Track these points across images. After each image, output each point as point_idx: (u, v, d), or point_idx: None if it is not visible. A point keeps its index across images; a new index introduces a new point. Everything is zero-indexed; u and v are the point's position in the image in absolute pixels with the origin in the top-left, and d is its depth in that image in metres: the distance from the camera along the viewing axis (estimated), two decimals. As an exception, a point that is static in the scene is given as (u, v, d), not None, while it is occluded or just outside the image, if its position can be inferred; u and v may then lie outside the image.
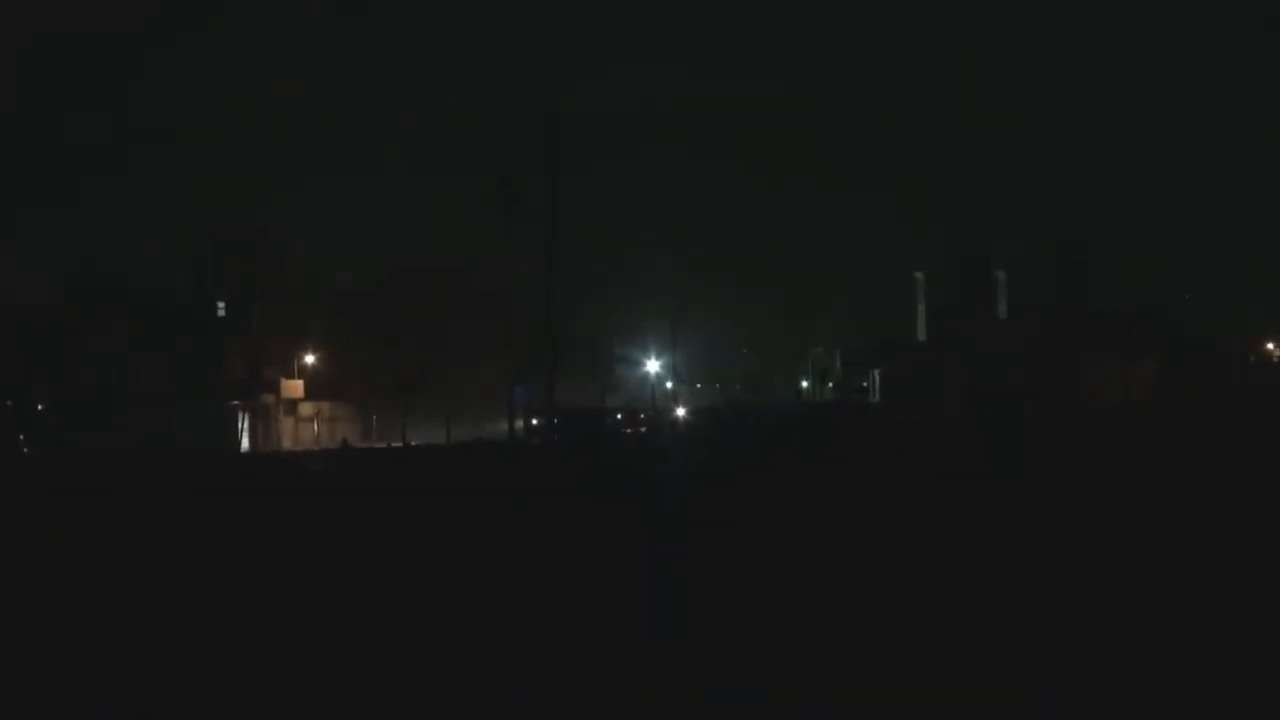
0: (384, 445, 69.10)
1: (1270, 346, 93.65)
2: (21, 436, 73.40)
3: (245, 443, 76.42)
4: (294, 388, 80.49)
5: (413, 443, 68.40)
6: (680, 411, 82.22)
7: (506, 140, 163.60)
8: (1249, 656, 7.08)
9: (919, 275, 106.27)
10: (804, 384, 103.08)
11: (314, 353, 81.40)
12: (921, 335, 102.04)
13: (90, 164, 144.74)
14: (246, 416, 77.84)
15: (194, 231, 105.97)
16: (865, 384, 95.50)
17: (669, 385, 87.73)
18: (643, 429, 68.98)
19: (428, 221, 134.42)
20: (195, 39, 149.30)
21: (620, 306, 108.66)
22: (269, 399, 79.34)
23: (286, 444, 77.39)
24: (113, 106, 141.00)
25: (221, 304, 79.98)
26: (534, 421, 69.47)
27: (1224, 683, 6.69)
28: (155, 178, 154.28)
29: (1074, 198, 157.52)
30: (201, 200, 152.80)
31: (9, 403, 74.41)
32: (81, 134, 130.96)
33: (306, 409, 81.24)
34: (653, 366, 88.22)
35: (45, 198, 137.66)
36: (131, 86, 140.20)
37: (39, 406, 75.32)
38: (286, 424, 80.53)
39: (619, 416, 72.34)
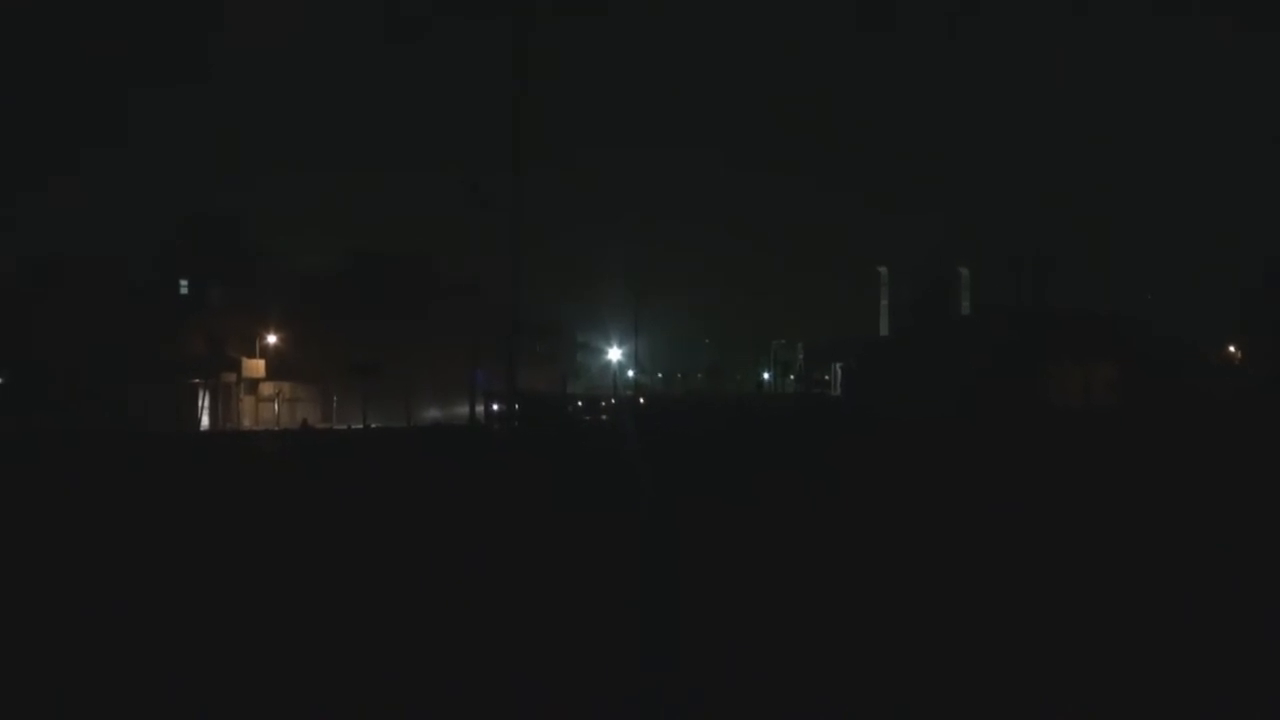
0: (344, 427, 69.00)
1: (1232, 349, 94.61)
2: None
3: (205, 421, 76.14)
4: (255, 367, 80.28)
5: (372, 425, 68.31)
6: (641, 401, 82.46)
7: (471, 126, 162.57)
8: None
9: (882, 270, 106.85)
10: (766, 376, 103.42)
11: (276, 333, 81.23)
12: (884, 330, 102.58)
13: (52, 144, 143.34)
14: (206, 395, 77.55)
15: (158, 214, 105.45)
16: (826, 377, 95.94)
17: (630, 374, 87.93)
18: (603, 416, 69.19)
19: (392, 208, 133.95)
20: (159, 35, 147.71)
21: (583, 294, 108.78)
22: (230, 378, 79.09)
23: (246, 423, 77.18)
24: (72, 88, 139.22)
25: (184, 282, 79.64)
26: (494, 406, 69.45)
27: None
28: (119, 159, 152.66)
29: (1041, 200, 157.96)
30: (167, 184, 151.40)
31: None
32: (41, 114, 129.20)
33: (267, 389, 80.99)
34: (615, 354, 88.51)
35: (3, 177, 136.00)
36: (95, 70, 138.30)
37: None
38: (247, 403, 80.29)
39: (580, 404, 72.53)
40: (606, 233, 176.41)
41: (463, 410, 73.30)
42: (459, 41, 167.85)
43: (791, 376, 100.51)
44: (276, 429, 69.13)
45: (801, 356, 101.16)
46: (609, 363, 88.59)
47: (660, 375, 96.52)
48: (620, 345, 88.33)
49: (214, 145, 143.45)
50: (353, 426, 68.58)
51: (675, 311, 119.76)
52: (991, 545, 11.75)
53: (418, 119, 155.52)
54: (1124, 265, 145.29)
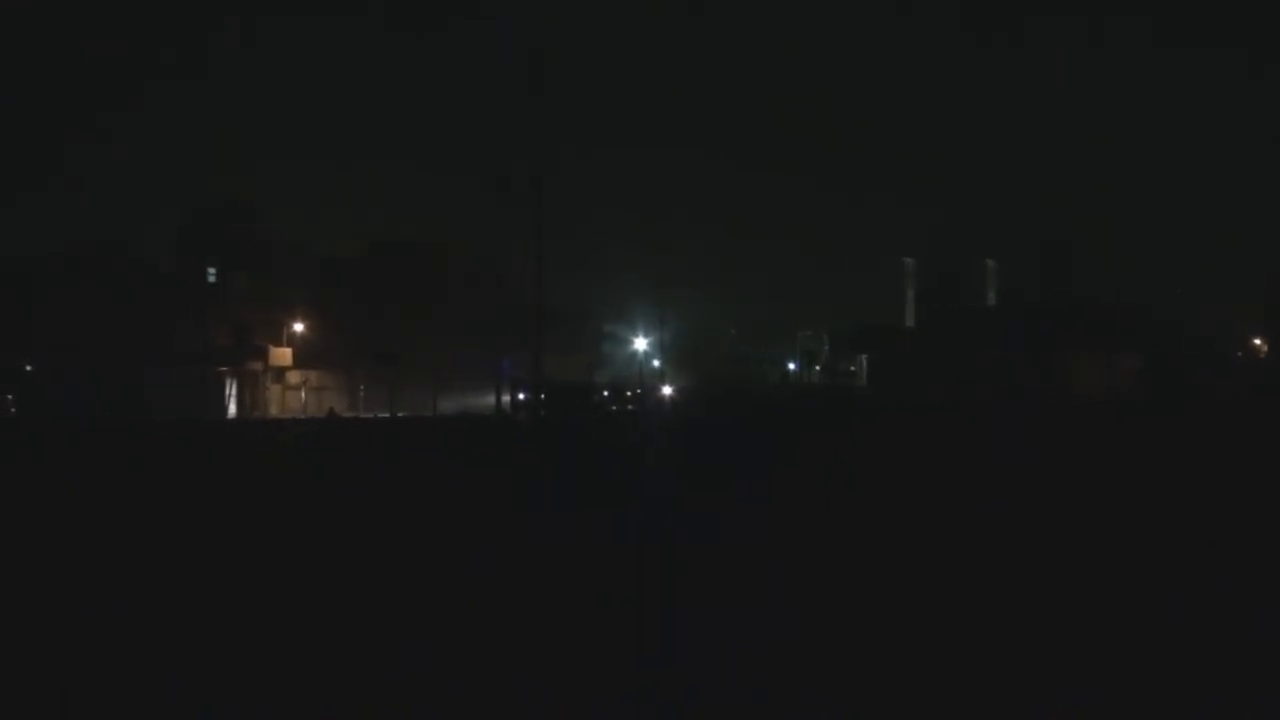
0: (370, 416, 69.14)
1: (1257, 342, 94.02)
2: (9, 397, 73.41)
3: (232, 409, 76.42)
4: (282, 355, 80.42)
5: (399, 414, 68.41)
6: (666, 390, 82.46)
7: (499, 117, 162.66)
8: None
9: (908, 261, 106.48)
10: (791, 366, 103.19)
11: (302, 321, 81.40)
12: (910, 321, 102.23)
13: (78, 132, 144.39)
14: (233, 383, 77.81)
15: (183, 202, 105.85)
16: (853, 368, 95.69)
17: (656, 363, 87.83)
18: (629, 406, 69.22)
19: (418, 197, 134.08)
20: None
21: (609, 284, 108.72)
22: (256, 366, 79.29)
23: (273, 411, 77.39)
24: (98, 76, 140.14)
25: (211, 270, 79.90)
26: (520, 395, 69.51)
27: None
28: (144, 147, 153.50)
29: (1068, 192, 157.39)
30: (191, 172, 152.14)
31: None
32: (66, 104, 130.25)
33: (294, 377, 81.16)
34: (640, 344, 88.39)
35: (30, 167, 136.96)
36: (120, 54, 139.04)
37: (27, 368, 75.29)
38: (274, 391, 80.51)
39: (605, 394, 72.50)
40: (631, 223, 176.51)
41: (489, 399, 73.36)
42: (476, 29, 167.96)
43: (817, 367, 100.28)
44: (303, 417, 69.33)
45: (827, 347, 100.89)
46: (635, 352, 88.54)
47: (686, 365, 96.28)
48: (646, 335, 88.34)
49: (229, 137, 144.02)
50: (379, 415, 68.69)
51: (701, 301, 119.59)
52: (1001, 545, 11.57)
53: (435, 108, 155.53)
54: (1138, 259, 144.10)
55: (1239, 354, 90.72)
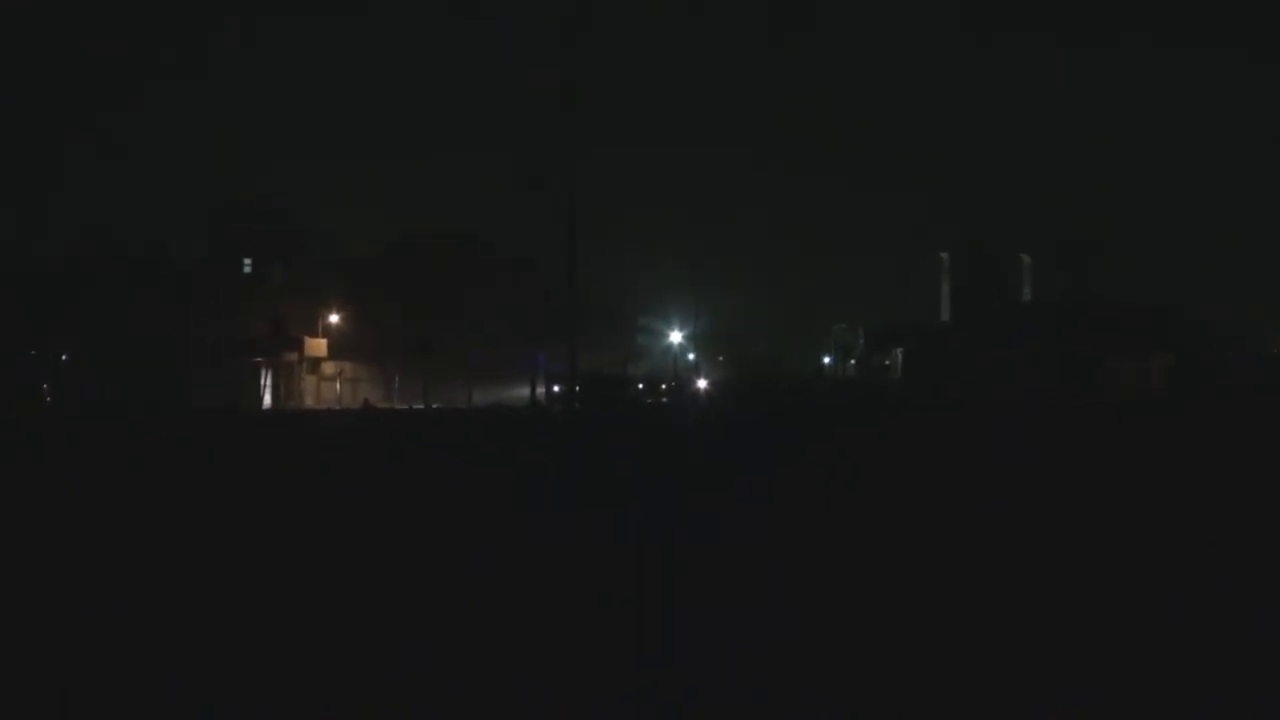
0: (405, 407, 69.25)
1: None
2: (45, 385, 73.92)
3: (267, 399, 76.68)
4: (317, 346, 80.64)
5: (434, 405, 68.50)
6: (701, 384, 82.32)
7: (533, 105, 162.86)
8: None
9: (944, 256, 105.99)
10: (826, 360, 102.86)
11: (337, 312, 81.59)
12: (945, 316, 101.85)
13: (111, 125, 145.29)
14: (269, 374, 78.08)
15: (218, 194, 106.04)
16: (887, 362, 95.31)
17: (690, 356, 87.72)
18: (664, 399, 69.12)
19: (452, 188, 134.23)
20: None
21: (644, 277, 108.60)
22: (292, 357, 79.51)
23: (309, 402, 77.65)
24: (133, 69, 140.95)
25: (247, 261, 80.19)
26: (555, 388, 69.50)
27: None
28: (180, 139, 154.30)
29: (1104, 192, 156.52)
30: (226, 164, 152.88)
31: (33, 352, 74.86)
32: (101, 96, 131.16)
33: (329, 368, 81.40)
34: (675, 337, 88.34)
35: (66, 158, 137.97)
36: (153, 50, 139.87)
37: (63, 357, 75.79)
38: (309, 382, 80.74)
39: (640, 386, 72.41)
40: (666, 216, 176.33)
41: (524, 391, 73.40)
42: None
43: (851, 361, 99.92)
44: (338, 408, 69.53)
45: (862, 341, 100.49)
46: (670, 345, 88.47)
47: (720, 358, 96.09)
48: (680, 328, 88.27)
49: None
50: (413, 407, 68.81)
51: (736, 295, 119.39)
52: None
53: (464, 99, 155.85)
54: (1190, 257, 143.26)
55: (1275, 351, 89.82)
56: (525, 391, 73.30)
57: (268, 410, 70.66)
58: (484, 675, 6.70)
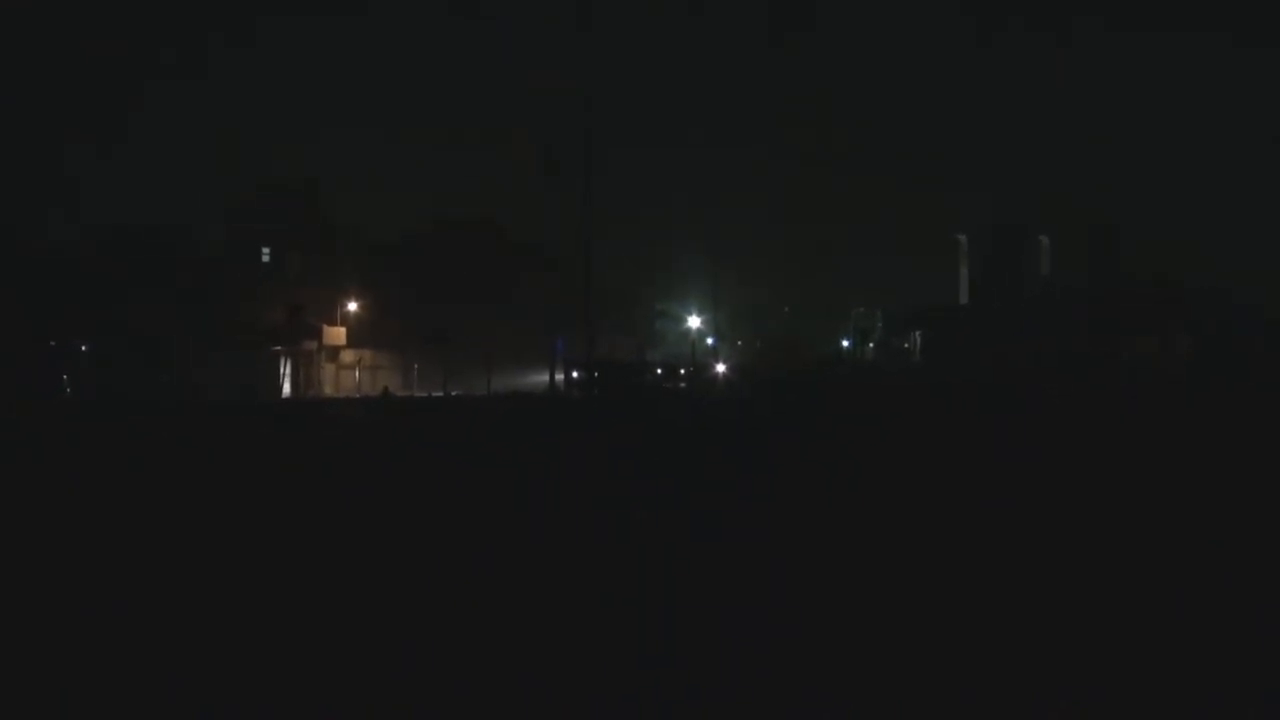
0: (424, 395, 69.28)
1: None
2: (65, 377, 74.10)
3: (286, 388, 76.78)
4: (336, 334, 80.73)
5: (452, 393, 68.51)
6: (720, 368, 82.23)
7: (550, 93, 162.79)
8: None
9: (961, 238, 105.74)
10: (845, 343, 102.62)
11: (356, 300, 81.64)
12: (964, 299, 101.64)
13: (129, 112, 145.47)
14: (288, 362, 78.16)
15: (237, 180, 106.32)
16: (906, 345, 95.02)
17: (709, 341, 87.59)
18: (682, 384, 69.02)
19: (468, 175, 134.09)
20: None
21: (662, 262, 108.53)
22: (311, 345, 79.58)
23: (328, 390, 77.75)
24: (149, 56, 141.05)
25: (266, 250, 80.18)
26: (574, 374, 69.46)
27: None
28: (195, 123, 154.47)
29: (1125, 173, 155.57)
30: (244, 149, 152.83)
31: (53, 343, 75.05)
32: (119, 83, 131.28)
33: (348, 356, 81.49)
34: (694, 322, 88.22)
35: (83, 143, 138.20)
36: (171, 32, 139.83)
37: (82, 348, 75.94)
38: (328, 370, 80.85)
39: (659, 372, 72.34)
40: (683, 202, 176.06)
41: (543, 378, 73.35)
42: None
43: (870, 344, 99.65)
44: (358, 396, 69.58)
45: (880, 324, 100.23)
46: (688, 330, 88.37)
47: (740, 343, 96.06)
48: (699, 314, 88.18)
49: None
50: (432, 394, 68.81)
51: (755, 279, 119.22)
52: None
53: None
54: (1216, 236, 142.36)
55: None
56: (544, 378, 73.24)
57: (287, 399, 70.74)
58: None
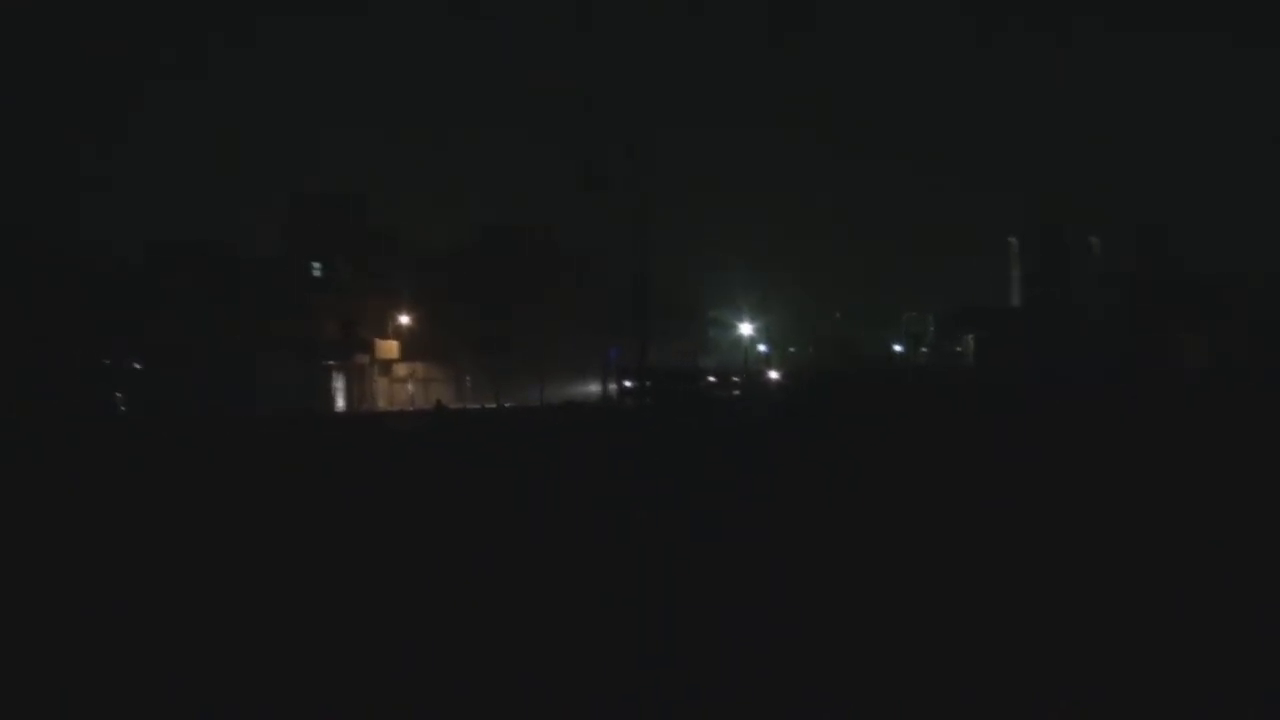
0: (477, 407, 69.33)
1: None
2: (118, 394, 74.56)
3: (340, 402, 77.07)
4: (388, 348, 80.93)
5: (506, 404, 68.56)
6: (773, 374, 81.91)
7: (600, 100, 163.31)
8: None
9: (1013, 241, 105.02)
10: (897, 348, 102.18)
11: (408, 313, 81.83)
12: (1015, 301, 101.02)
13: (179, 127, 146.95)
14: (341, 377, 78.44)
15: (287, 194, 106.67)
16: (959, 348, 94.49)
17: (761, 348, 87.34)
18: (735, 392, 68.79)
19: (519, 185, 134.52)
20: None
21: (714, 270, 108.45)
22: (363, 359, 79.80)
23: (381, 404, 77.99)
24: (199, 71, 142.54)
25: (316, 264, 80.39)
26: (626, 383, 69.36)
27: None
28: (243, 139, 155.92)
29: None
30: (294, 163, 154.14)
31: (106, 361, 75.46)
32: (169, 97, 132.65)
33: (401, 369, 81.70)
34: (746, 329, 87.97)
35: (130, 157, 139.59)
36: (217, 49, 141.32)
37: (135, 365, 76.33)
38: (381, 384, 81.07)
39: (711, 379, 72.13)
40: (733, 211, 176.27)
41: (595, 387, 73.35)
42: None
43: (923, 349, 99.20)
44: (411, 409, 69.74)
45: (933, 328, 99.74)
46: (740, 337, 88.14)
47: (792, 349, 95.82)
48: (751, 320, 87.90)
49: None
50: (485, 406, 68.88)
51: (807, 286, 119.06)
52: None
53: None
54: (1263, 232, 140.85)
55: None
56: (596, 387, 73.23)
57: (342, 412, 71.00)
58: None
